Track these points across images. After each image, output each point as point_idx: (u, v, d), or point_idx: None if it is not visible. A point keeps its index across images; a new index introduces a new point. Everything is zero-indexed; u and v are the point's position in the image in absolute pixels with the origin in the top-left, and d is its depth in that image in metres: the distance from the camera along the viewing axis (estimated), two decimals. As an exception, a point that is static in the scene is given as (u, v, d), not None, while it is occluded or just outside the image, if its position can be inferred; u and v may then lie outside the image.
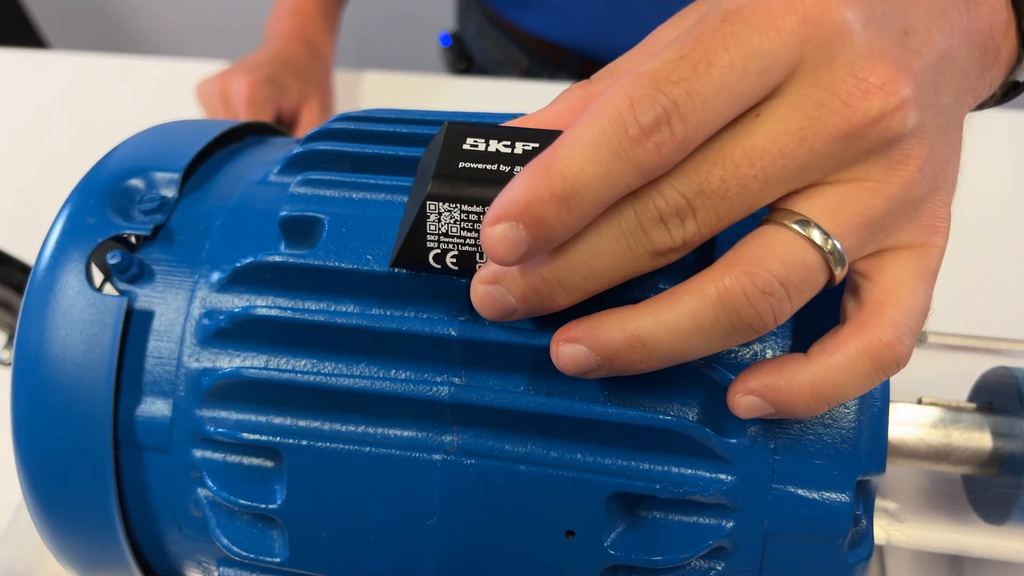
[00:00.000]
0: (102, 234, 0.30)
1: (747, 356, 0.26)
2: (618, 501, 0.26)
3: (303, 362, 0.27)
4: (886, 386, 0.27)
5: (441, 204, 0.24)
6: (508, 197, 0.21)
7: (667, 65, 0.21)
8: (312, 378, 0.27)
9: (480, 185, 0.23)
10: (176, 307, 0.29)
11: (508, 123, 0.26)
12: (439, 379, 0.26)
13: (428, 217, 0.24)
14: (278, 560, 0.28)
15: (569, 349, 0.23)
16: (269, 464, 0.28)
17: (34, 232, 0.72)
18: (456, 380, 0.26)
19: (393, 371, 0.27)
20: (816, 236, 0.22)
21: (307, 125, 0.77)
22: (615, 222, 0.22)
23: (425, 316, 0.27)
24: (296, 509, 0.27)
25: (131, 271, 0.29)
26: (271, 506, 0.27)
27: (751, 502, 0.26)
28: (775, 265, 0.22)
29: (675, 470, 0.26)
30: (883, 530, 0.36)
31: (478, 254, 0.25)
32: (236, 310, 0.28)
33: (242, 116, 0.72)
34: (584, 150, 0.21)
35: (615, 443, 0.26)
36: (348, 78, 0.90)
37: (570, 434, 0.26)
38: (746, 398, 0.24)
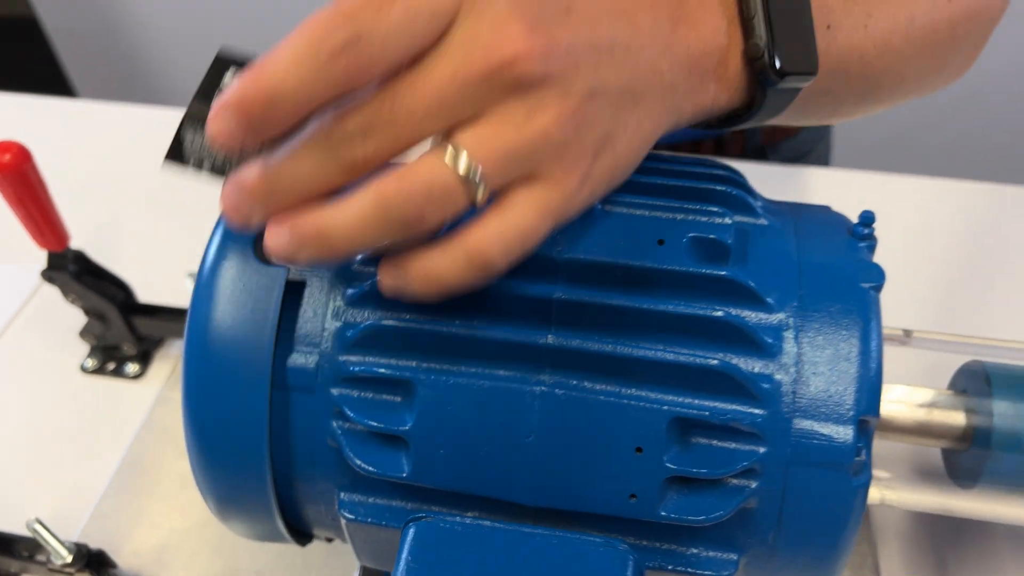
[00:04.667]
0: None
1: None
2: (676, 425, 0.33)
3: (431, 316, 0.35)
4: (880, 355, 0.35)
5: (196, 125, 0.29)
6: (226, 95, 0.26)
7: (356, 4, 0.26)
8: (439, 328, 0.34)
9: None
10: (323, 277, 0.37)
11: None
12: (539, 331, 0.34)
13: (184, 136, 0.30)
14: (403, 474, 0.35)
15: (272, 234, 0.28)
16: (398, 399, 0.35)
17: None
18: (552, 332, 0.34)
19: (505, 324, 0.34)
20: (462, 161, 0.27)
21: None
22: (312, 141, 0.28)
23: (531, 285, 0.34)
24: (422, 430, 0.34)
25: (288, 249, 0.37)
26: (402, 428, 0.34)
27: (777, 433, 0.34)
28: (420, 180, 0.27)
29: (720, 405, 0.33)
30: (879, 492, 0.43)
31: (227, 167, 0.31)
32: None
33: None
34: (286, 62, 0.26)
35: (675, 383, 0.34)
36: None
37: (642, 375, 0.34)
38: (383, 283, 0.31)
